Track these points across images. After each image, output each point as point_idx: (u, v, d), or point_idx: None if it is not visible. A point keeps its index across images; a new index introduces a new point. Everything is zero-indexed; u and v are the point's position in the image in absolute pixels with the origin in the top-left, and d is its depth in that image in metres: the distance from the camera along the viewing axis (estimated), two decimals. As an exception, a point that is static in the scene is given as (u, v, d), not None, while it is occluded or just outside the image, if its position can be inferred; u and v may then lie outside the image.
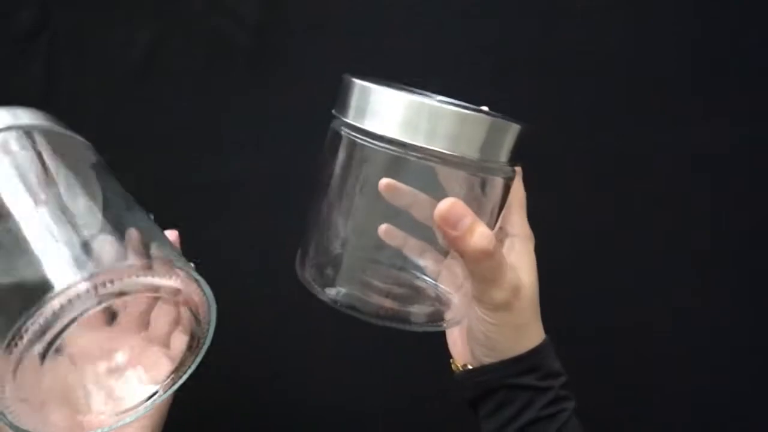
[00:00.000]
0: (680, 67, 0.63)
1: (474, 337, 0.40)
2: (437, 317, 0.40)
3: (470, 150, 0.34)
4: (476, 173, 0.37)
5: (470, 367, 0.42)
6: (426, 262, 0.40)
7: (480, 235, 0.35)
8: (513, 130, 0.35)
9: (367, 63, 0.60)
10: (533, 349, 0.39)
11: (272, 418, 0.66)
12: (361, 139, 0.36)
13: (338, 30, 0.60)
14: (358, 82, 0.36)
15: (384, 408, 0.65)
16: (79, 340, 0.35)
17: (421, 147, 0.34)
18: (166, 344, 0.39)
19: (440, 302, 0.40)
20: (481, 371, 0.40)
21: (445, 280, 0.40)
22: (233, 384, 0.62)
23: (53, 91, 0.58)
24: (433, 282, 0.40)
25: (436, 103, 0.34)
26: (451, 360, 0.44)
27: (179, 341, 0.36)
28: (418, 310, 0.39)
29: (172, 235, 0.40)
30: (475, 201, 0.36)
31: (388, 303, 0.39)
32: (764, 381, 0.66)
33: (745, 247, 0.65)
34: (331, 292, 0.38)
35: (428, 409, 0.64)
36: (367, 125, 0.35)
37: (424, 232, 0.39)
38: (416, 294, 0.40)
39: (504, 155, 0.35)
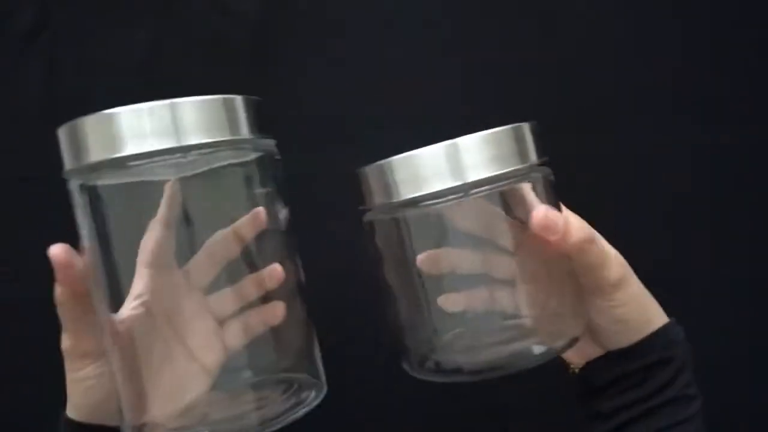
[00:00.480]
0: (680, 67, 0.63)
1: (602, 330, 0.39)
2: (550, 337, 0.38)
3: (504, 164, 0.35)
4: (521, 181, 0.37)
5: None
6: (501, 302, 0.39)
7: (578, 227, 0.36)
8: (527, 129, 0.37)
9: (368, 63, 0.60)
10: (665, 324, 0.40)
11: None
12: (405, 211, 0.36)
13: (338, 30, 0.60)
14: (370, 167, 0.36)
15: (384, 408, 0.65)
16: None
17: (462, 185, 0.34)
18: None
19: (541, 324, 0.38)
20: (620, 353, 0.39)
21: (528, 305, 0.39)
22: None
23: (53, 91, 0.58)
24: (519, 313, 0.39)
25: (453, 142, 0.34)
26: (570, 367, 0.43)
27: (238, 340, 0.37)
28: (531, 341, 0.38)
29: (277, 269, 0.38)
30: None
31: (502, 351, 0.38)
32: (764, 381, 0.66)
33: (745, 247, 0.65)
34: (457, 371, 0.38)
35: (428, 409, 0.64)
36: (402, 194, 0.35)
37: (481, 280, 0.39)
38: (518, 331, 0.39)
39: (533, 155, 0.37)
